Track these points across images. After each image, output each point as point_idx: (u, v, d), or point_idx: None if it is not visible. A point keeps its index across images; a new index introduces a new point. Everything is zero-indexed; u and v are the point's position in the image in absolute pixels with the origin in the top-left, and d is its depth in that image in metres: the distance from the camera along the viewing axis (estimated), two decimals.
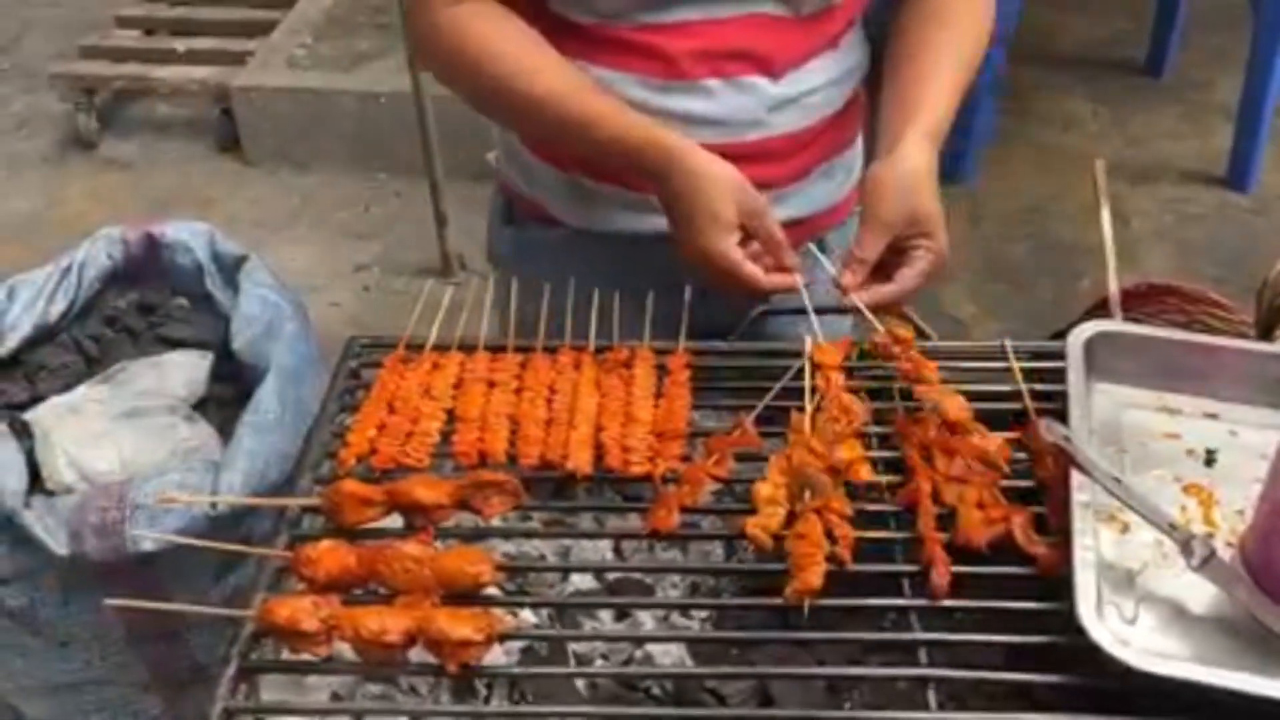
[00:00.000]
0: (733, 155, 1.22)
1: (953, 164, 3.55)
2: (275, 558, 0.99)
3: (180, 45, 3.96)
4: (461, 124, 3.49)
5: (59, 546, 1.45)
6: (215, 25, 4.11)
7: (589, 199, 1.35)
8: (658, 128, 1.20)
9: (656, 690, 0.96)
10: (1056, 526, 0.98)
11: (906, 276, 1.21)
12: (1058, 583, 0.94)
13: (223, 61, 3.86)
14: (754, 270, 1.18)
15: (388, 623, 0.91)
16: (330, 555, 0.97)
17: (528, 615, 1.01)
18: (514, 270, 1.33)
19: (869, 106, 1.43)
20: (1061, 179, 3.56)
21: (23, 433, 1.58)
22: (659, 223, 1.24)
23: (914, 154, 1.21)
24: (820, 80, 1.31)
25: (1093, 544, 0.93)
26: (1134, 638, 0.89)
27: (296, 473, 1.10)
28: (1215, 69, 4.04)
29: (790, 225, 1.29)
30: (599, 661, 0.99)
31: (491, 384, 1.17)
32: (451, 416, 1.13)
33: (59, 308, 1.72)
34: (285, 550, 1.00)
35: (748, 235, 1.19)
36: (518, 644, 0.99)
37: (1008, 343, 1.21)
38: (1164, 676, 0.84)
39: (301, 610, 0.91)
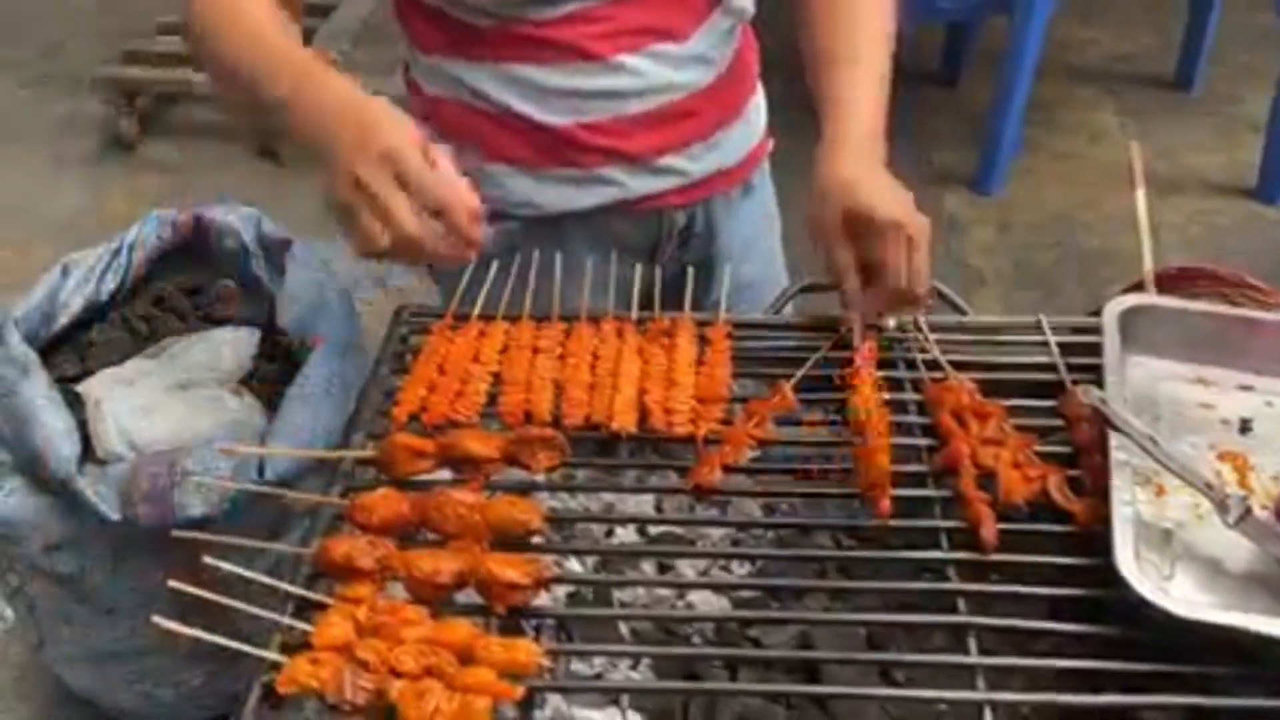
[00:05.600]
0: (668, 116, 1.34)
1: (982, 174, 3.59)
2: (330, 506, 1.02)
3: None
4: None
5: (111, 512, 1.49)
6: None
7: (539, 182, 1.38)
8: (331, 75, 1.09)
9: (698, 638, 0.98)
10: (1093, 487, 1.00)
11: (883, 289, 1.14)
12: (1094, 540, 0.96)
13: None
14: (433, 176, 1.01)
15: (440, 564, 0.93)
16: (384, 502, 1.00)
17: (573, 565, 1.04)
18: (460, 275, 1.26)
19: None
20: (1089, 189, 3.58)
21: (75, 404, 1.62)
22: (604, 193, 1.35)
23: (835, 166, 1.16)
24: (719, 30, 1.37)
25: (1130, 499, 0.95)
26: (1172, 591, 0.91)
27: (349, 429, 1.13)
28: (1245, 84, 4.05)
29: (720, 174, 1.43)
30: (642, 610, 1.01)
31: (536, 350, 1.20)
32: (498, 379, 1.16)
33: (110, 287, 1.76)
34: (340, 499, 1.03)
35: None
36: (563, 592, 1.01)
37: (1044, 318, 1.24)
38: (1206, 623, 0.85)
39: (357, 549, 0.94)
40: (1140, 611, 0.87)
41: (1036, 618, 0.93)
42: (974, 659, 0.89)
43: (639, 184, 1.38)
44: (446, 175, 1.02)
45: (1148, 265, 1.25)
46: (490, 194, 1.38)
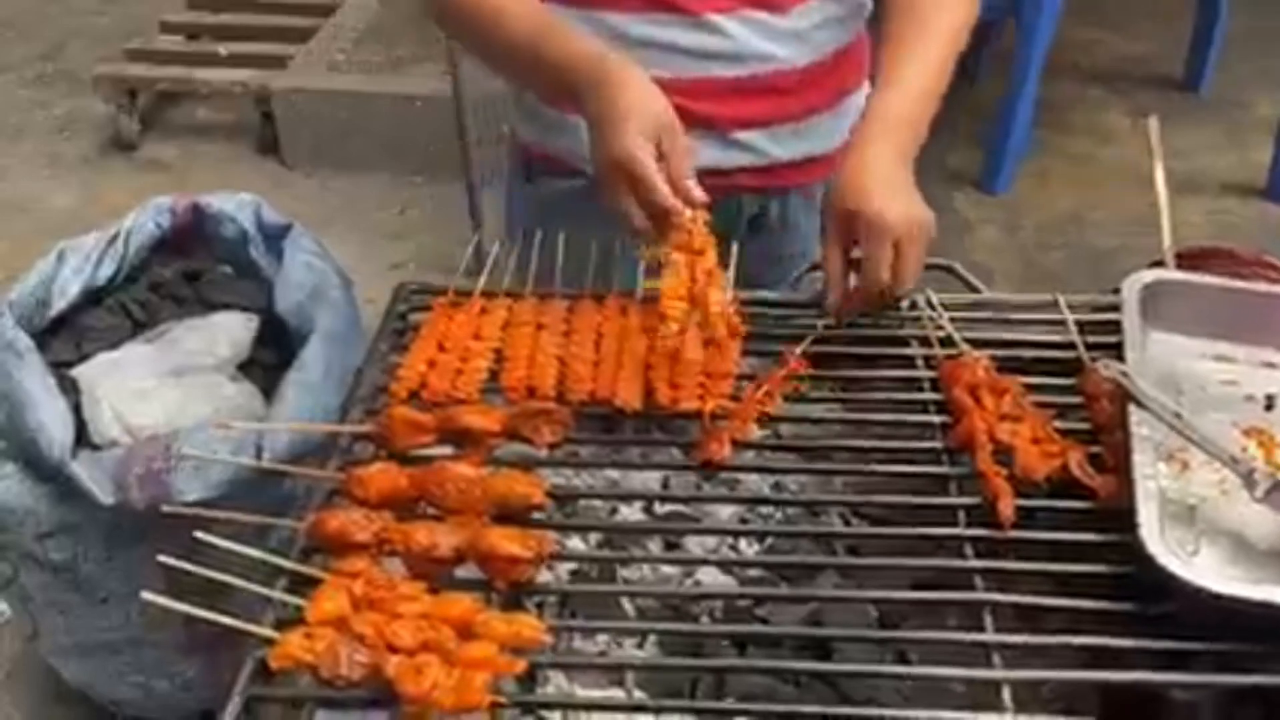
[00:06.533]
0: (750, 89, 1.29)
1: (990, 174, 3.56)
2: (327, 480, 0.99)
3: (222, 49, 4.02)
4: (499, 127, 3.55)
5: (104, 496, 1.46)
6: (257, 31, 4.16)
7: None
8: (599, 47, 1.19)
9: (706, 618, 0.95)
10: (1114, 464, 0.97)
11: (861, 276, 1.15)
12: (1115, 516, 0.93)
13: (264, 66, 3.90)
14: (663, 183, 1.09)
15: (439, 537, 0.90)
16: (382, 476, 0.97)
17: (576, 543, 1.00)
18: (534, 227, 1.31)
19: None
20: (1099, 189, 3.55)
21: (70, 389, 1.59)
22: None
23: (852, 153, 1.18)
24: (825, 15, 1.33)
25: (1153, 473, 0.91)
26: (1197, 567, 0.88)
27: (347, 404, 1.10)
28: (1255, 86, 4.03)
29: (808, 162, 1.38)
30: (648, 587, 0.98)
31: (539, 327, 1.17)
32: (499, 356, 1.13)
33: (106, 273, 1.73)
34: (337, 475, 1.00)
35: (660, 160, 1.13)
36: (566, 570, 0.98)
37: (1060, 296, 1.21)
38: (1238, 598, 0.82)
39: (353, 522, 0.91)
40: (1166, 587, 0.84)
41: (1055, 595, 0.90)
42: (990, 636, 0.86)
43: (710, 154, 1.32)
44: (676, 174, 1.09)
45: (1167, 242, 1.22)
46: (564, 146, 1.38)
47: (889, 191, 1.14)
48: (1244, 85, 4.06)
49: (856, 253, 1.15)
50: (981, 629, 0.87)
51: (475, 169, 3.16)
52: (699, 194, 1.10)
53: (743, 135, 1.34)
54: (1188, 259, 1.31)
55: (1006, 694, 0.81)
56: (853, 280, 1.16)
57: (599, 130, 1.12)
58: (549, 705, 0.87)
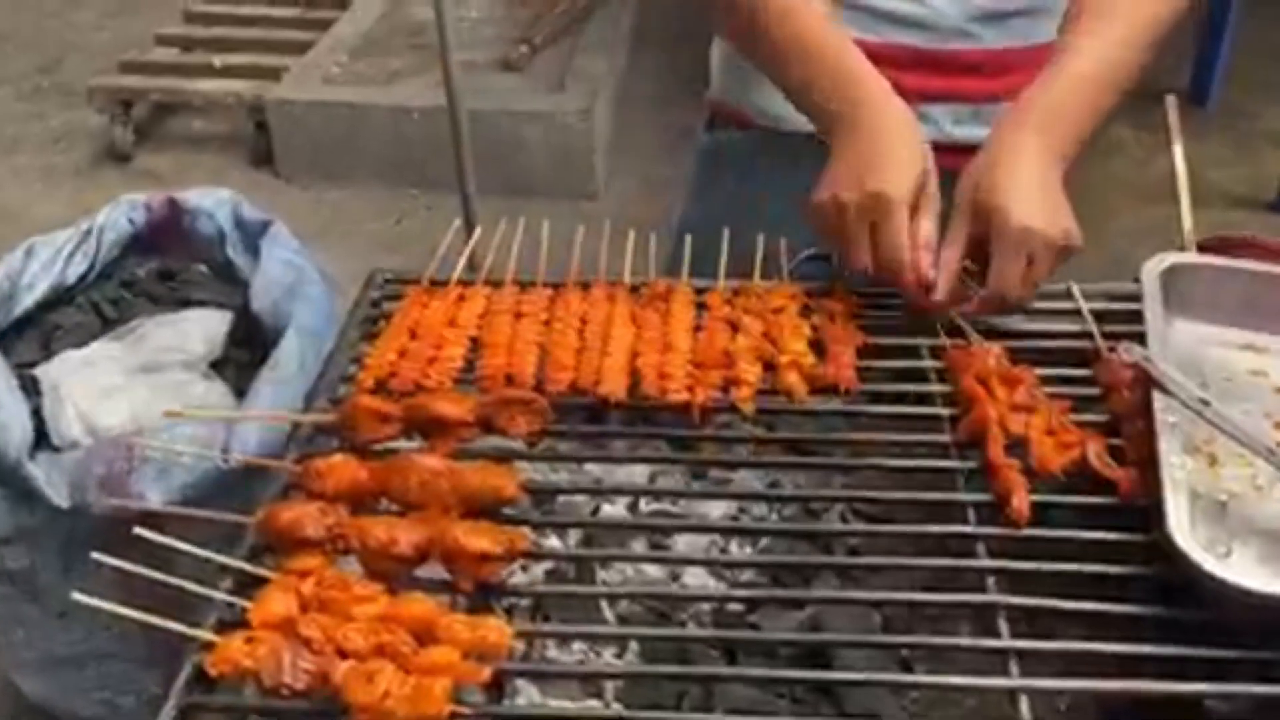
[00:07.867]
0: (935, 62, 1.28)
1: None
2: (282, 470, 0.92)
3: (217, 61, 3.97)
4: (494, 139, 3.50)
5: (60, 500, 1.38)
6: (252, 44, 4.12)
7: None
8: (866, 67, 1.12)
9: (692, 624, 0.87)
10: (1136, 456, 0.89)
11: (987, 285, 1.05)
12: (1138, 512, 0.85)
13: (259, 77, 3.86)
14: (906, 238, 1.02)
15: (399, 532, 0.83)
16: (341, 468, 0.89)
17: (553, 542, 0.93)
18: (705, 173, 1.42)
19: None
20: (1106, 202, 3.49)
21: (32, 389, 1.51)
22: None
23: (994, 142, 1.08)
24: (1030, 3, 1.28)
25: (1180, 463, 0.84)
26: (1233, 566, 0.80)
27: (311, 394, 1.03)
28: (1262, 100, 3.98)
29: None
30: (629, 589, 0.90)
31: (519, 315, 1.10)
32: (476, 345, 1.06)
33: (77, 270, 1.66)
34: (294, 466, 0.92)
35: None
36: (541, 570, 0.90)
37: (1074, 285, 1.14)
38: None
39: (306, 515, 0.83)
40: (1198, 587, 0.76)
41: (1075, 598, 0.82)
42: (1006, 642, 0.78)
43: None
44: (920, 236, 1.04)
45: (1187, 226, 1.15)
46: (750, 101, 1.38)
47: (1033, 196, 1.03)
48: (1251, 98, 4.02)
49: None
50: (994, 634, 0.79)
51: (470, 180, 3.11)
52: (930, 271, 1.03)
53: (923, 108, 1.25)
54: (1209, 249, 1.24)
55: (1024, 705, 0.73)
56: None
57: (853, 159, 1.05)
58: (519, 718, 0.79)
